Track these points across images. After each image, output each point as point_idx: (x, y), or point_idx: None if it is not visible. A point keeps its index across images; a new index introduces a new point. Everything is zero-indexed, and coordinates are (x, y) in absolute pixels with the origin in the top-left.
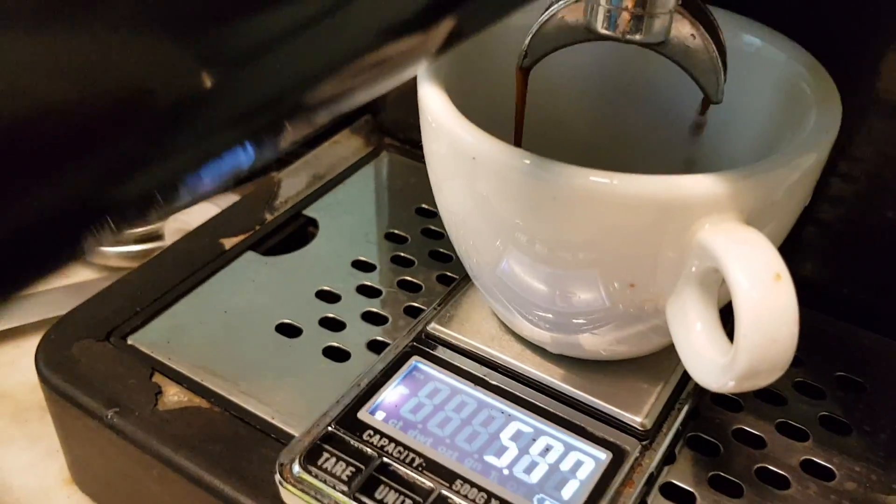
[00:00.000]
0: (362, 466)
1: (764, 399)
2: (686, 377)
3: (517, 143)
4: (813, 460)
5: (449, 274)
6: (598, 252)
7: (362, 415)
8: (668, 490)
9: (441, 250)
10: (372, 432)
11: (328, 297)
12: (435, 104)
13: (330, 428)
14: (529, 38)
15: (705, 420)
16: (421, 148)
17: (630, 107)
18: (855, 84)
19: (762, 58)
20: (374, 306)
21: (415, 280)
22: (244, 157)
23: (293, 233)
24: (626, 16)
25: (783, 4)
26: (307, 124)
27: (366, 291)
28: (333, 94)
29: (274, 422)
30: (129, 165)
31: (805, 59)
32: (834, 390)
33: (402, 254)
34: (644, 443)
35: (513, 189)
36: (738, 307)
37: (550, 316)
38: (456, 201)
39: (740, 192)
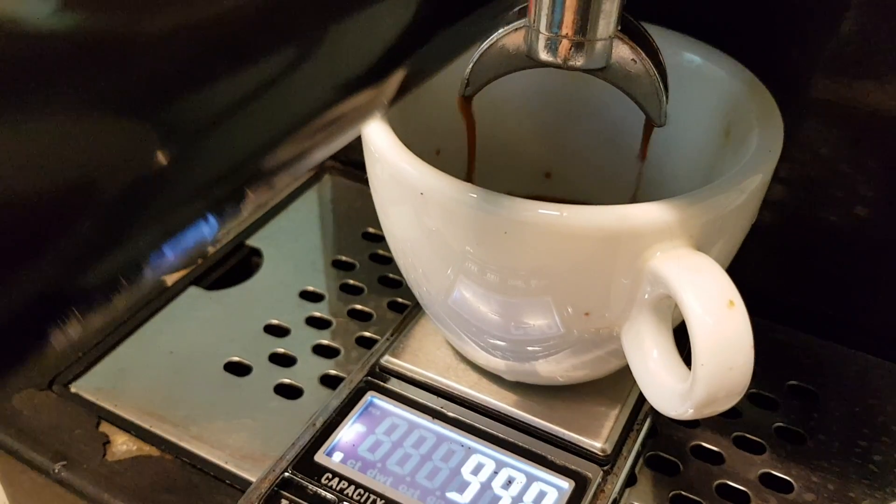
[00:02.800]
0: None
1: (720, 413)
2: (643, 398)
3: (470, 170)
4: (771, 473)
5: (400, 300)
6: (552, 283)
7: (319, 457)
8: None
9: (391, 275)
10: (330, 475)
11: (277, 331)
12: (379, 138)
13: (286, 473)
14: (470, 66)
15: (664, 438)
16: (364, 169)
17: (579, 128)
18: (790, 88)
19: (703, 76)
20: (324, 338)
21: (365, 308)
22: (207, 229)
23: (237, 264)
24: (566, 43)
25: (719, 19)
26: (267, 189)
27: (315, 323)
28: (291, 156)
29: (228, 467)
30: (90, 252)
31: (745, 76)
32: (787, 400)
33: (351, 281)
34: (605, 468)
35: (462, 223)
36: (693, 336)
37: (505, 344)
38: (403, 231)
39: (689, 219)
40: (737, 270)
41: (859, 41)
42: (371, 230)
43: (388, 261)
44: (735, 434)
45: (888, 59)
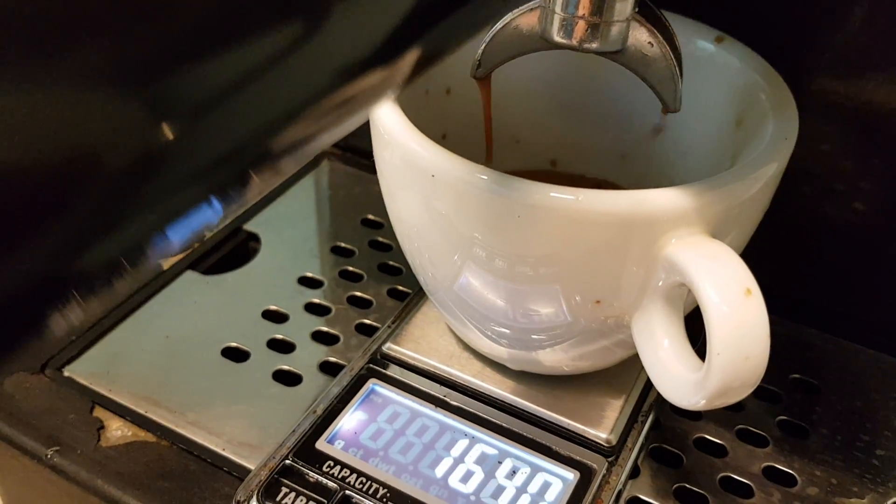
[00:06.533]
0: (324, 500)
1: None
2: (648, 388)
3: (488, 152)
4: (774, 466)
5: (400, 288)
6: (564, 269)
7: (321, 444)
8: None
9: (391, 263)
10: (332, 463)
11: (275, 316)
12: (389, 120)
13: (287, 461)
14: (483, 47)
15: (667, 430)
16: (364, 155)
17: (585, 116)
18: (793, 82)
19: (716, 63)
20: (323, 325)
21: (365, 295)
22: (211, 212)
23: (234, 249)
24: (582, 24)
25: (725, 11)
26: (274, 173)
27: (314, 309)
28: (299, 138)
29: (225, 454)
30: (90, 231)
31: (759, 64)
32: (790, 393)
33: (350, 268)
34: (610, 459)
35: (473, 206)
36: (709, 324)
37: (510, 332)
38: (411, 214)
39: (706, 205)
40: None
41: (866, 34)
42: (371, 217)
43: (388, 248)
44: (738, 427)
45: (894, 53)
